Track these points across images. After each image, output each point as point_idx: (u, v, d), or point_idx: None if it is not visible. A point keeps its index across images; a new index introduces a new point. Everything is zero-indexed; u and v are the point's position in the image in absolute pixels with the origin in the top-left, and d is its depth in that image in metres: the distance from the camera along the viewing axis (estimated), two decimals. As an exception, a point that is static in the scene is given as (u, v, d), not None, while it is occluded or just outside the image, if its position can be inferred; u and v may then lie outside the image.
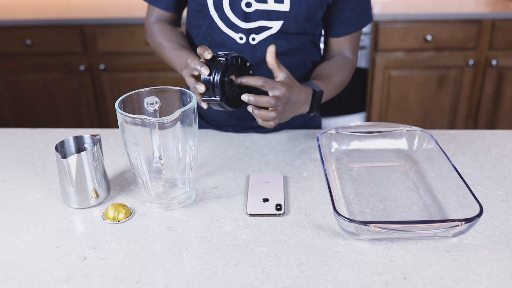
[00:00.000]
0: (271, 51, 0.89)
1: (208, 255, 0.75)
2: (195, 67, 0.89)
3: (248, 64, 0.94)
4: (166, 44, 1.10)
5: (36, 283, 0.70)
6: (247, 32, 1.04)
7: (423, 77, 2.53)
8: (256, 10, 1.02)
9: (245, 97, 0.88)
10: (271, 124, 0.91)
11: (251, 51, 1.07)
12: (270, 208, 0.85)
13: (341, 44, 1.14)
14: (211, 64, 0.89)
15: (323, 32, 1.17)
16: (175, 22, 1.18)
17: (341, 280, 0.69)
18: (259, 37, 1.05)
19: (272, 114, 0.89)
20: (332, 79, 1.06)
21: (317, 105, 0.99)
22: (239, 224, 0.82)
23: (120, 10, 2.64)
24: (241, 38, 1.05)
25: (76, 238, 0.80)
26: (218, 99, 0.89)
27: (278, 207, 0.85)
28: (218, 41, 1.08)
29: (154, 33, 1.14)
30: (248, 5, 1.01)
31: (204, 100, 0.91)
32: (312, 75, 1.09)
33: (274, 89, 0.89)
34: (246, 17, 1.02)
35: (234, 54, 0.91)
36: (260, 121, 0.91)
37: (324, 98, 1.05)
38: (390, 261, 0.72)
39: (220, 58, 0.89)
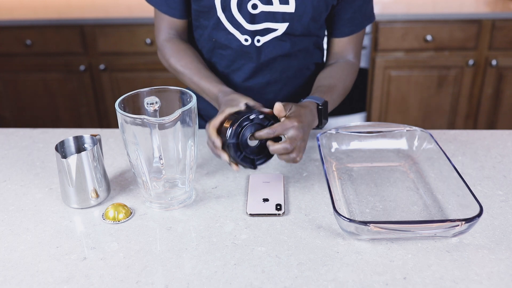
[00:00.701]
0: (279, 109, 0.85)
1: (208, 255, 0.75)
2: (214, 153, 0.86)
3: (262, 115, 0.87)
4: (184, 72, 1.06)
5: (36, 283, 0.70)
6: (253, 34, 1.04)
7: (423, 77, 2.53)
8: (262, 12, 1.01)
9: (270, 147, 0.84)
10: (297, 160, 0.86)
11: (256, 52, 1.06)
12: (270, 208, 0.85)
13: (344, 45, 1.13)
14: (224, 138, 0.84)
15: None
16: (186, 30, 1.15)
17: (341, 280, 0.69)
18: (264, 39, 1.05)
19: (293, 155, 0.84)
20: (335, 89, 1.04)
21: (324, 117, 0.96)
22: (239, 224, 0.82)
23: (120, 10, 2.64)
24: (246, 40, 1.05)
25: (76, 238, 0.80)
26: (248, 166, 0.87)
27: (278, 207, 0.85)
28: (223, 42, 1.07)
29: (168, 54, 1.09)
30: (254, 7, 1.00)
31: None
32: (315, 85, 1.07)
33: (286, 131, 0.84)
34: (252, 19, 1.02)
35: (246, 123, 0.84)
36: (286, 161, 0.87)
37: (329, 109, 1.04)
38: (390, 261, 0.72)
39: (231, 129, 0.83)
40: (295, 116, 0.85)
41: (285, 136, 0.84)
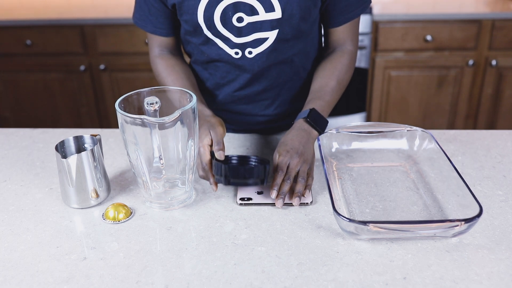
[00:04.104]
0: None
1: (208, 255, 0.75)
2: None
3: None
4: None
5: (36, 283, 0.70)
6: (242, 47, 1.03)
7: (423, 77, 2.53)
8: (249, 24, 0.99)
9: (277, 201, 0.86)
10: (305, 186, 0.89)
11: (249, 64, 1.05)
12: (262, 198, 0.85)
13: (340, 34, 1.10)
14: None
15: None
16: (178, 46, 1.16)
17: (341, 280, 0.69)
18: (256, 51, 1.03)
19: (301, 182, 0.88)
20: (326, 88, 1.04)
21: (317, 124, 0.97)
22: (239, 224, 0.82)
23: (120, 10, 2.64)
24: (236, 53, 1.04)
25: (76, 238, 0.80)
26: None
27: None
28: (214, 57, 1.07)
29: (158, 70, 1.12)
30: (240, 20, 0.99)
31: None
32: (310, 90, 1.06)
33: (285, 165, 0.89)
34: (239, 32, 1.01)
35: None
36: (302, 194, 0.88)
37: (328, 107, 1.03)
38: (390, 261, 0.72)
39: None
40: (282, 152, 0.90)
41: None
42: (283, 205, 0.86)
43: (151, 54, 1.15)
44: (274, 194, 0.85)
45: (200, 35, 1.04)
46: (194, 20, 1.01)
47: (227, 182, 0.85)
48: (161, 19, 1.07)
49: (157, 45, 1.13)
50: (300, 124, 0.96)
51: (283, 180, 0.87)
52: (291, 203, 0.86)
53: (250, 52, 1.04)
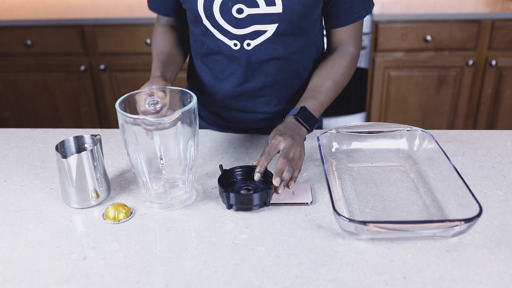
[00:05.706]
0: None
1: (208, 255, 0.75)
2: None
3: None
4: (154, 54, 1.14)
5: (36, 283, 0.70)
6: (241, 38, 1.03)
7: (422, 77, 2.53)
8: (249, 15, 1.00)
9: (276, 182, 0.87)
10: (296, 169, 0.90)
11: (246, 56, 1.05)
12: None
13: (342, 34, 1.10)
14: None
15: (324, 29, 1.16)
16: (179, 24, 1.20)
17: (341, 280, 0.69)
18: (254, 42, 1.04)
19: (292, 166, 0.89)
20: (321, 88, 1.05)
21: (307, 123, 0.99)
22: (239, 224, 0.82)
23: (120, 10, 2.64)
24: (235, 45, 1.04)
25: (76, 238, 0.80)
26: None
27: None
28: (213, 48, 1.07)
29: (155, 33, 1.18)
30: (240, 11, 0.99)
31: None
32: (306, 89, 1.08)
33: (277, 147, 0.91)
34: (238, 24, 1.01)
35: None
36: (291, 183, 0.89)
37: (322, 106, 1.05)
38: (390, 261, 0.72)
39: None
40: (275, 134, 0.93)
41: (279, 152, 0.91)
42: (283, 205, 0.86)
43: (155, 25, 1.21)
44: (277, 181, 0.86)
45: (200, 24, 1.05)
46: (194, 9, 1.02)
47: (230, 207, 0.86)
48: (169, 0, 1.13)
49: (161, 21, 1.20)
50: (290, 119, 0.99)
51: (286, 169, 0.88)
52: (291, 203, 0.87)
53: (248, 44, 1.04)
